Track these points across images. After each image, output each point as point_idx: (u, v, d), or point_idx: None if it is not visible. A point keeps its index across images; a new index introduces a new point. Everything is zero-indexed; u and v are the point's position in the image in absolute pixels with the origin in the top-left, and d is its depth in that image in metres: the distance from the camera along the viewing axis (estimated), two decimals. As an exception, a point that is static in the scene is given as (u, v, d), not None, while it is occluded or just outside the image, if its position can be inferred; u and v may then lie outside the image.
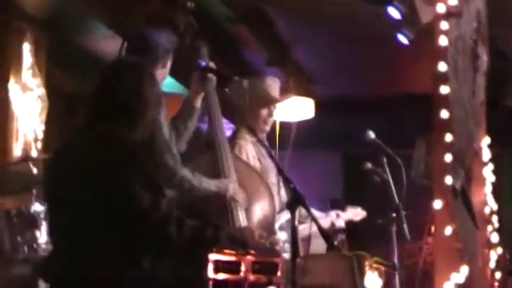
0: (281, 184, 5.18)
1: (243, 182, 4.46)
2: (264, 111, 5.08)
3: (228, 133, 5.32)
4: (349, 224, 5.65)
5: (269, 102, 5.11)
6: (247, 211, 4.41)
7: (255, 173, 4.67)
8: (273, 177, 5.13)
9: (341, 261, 4.78)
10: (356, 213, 5.53)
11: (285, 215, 5.03)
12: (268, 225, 4.43)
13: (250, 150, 5.09)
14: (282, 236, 4.58)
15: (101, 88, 3.42)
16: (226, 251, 3.31)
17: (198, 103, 4.50)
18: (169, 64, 4.29)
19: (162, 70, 4.30)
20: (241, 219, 4.34)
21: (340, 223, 5.41)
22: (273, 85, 5.21)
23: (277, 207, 5.03)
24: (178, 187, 4.12)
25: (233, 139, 5.09)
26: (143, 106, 3.39)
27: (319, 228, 3.38)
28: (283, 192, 5.19)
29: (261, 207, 4.48)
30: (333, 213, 5.46)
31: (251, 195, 4.43)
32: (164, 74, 4.31)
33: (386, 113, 7.59)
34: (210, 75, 4.37)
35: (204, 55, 4.47)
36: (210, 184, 4.28)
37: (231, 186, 4.32)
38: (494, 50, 6.48)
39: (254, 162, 4.99)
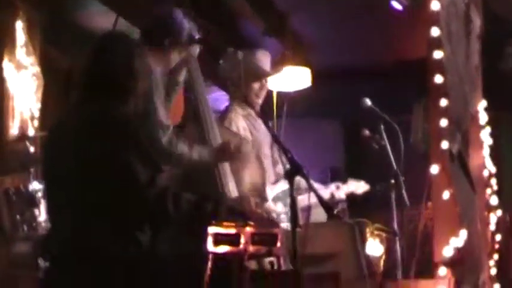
0: (276, 156, 5.20)
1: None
2: (256, 85, 5.11)
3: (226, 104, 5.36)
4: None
5: (260, 75, 5.14)
6: (236, 178, 4.42)
7: (245, 141, 4.69)
8: (266, 149, 5.14)
9: (342, 229, 4.79)
10: (358, 186, 5.52)
11: (281, 186, 5.08)
12: (258, 192, 4.47)
13: (240, 123, 5.12)
14: (279, 207, 4.63)
15: (92, 63, 3.42)
16: (225, 223, 3.31)
17: (181, 77, 4.50)
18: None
19: (175, 56, 4.37)
20: (231, 186, 4.34)
21: (340, 195, 5.43)
22: (264, 59, 5.23)
23: (272, 178, 5.10)
24: (176, 163, 4.15)
25: (224, 113, 5.13)
26: (133, 79, 3.40)
27: (319, 198, 3.40)
28: (280, 165, 5.19)
29: (249, 174, 4.50)
30: (332, 186, 5.47)
31: (241, 165, 4.47)
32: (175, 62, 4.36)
33: (383, 80, 7.54)
34: (191, 48, 4.37)
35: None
36: (205, 152, 4.30)
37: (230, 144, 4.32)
38: (488, 13, 6.48)
39: (245, 134, 5.05)
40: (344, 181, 5.52)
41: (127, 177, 3.21)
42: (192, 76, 4.48)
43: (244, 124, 5.09)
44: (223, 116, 5.04)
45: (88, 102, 3.38)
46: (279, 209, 4.67)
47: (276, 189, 5.04)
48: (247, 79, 5.00)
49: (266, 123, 3.99)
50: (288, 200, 4.28)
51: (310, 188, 3.43)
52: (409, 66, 6.70)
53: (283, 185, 5.00)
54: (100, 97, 3.36)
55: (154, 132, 4.08)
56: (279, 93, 5.71)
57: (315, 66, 6.32)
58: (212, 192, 4.09)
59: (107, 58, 3.40)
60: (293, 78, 6.18)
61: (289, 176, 3.35)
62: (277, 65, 5.33)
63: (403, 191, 5.14)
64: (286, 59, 5.64)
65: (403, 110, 5.89)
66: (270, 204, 4.83)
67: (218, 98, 6.20)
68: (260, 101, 5.15)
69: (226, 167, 4.40)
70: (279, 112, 5.55)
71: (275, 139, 3.81)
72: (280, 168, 5.14)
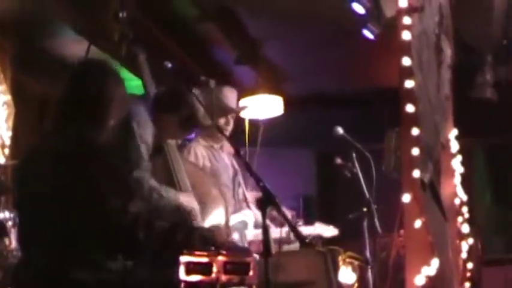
0: (238, 189, 5.20)
1: (194, 185, 4.41)
2: (222, 120, 5.23)
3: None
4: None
5: (226, 112, 5.24)
6: (202, 216, 4.37)
7: (205, 175, 4.67)
8: (226, 180, 5.15)
9: (315, 256, 4.78)
10: (326, 230, 5.49)
11: (238, 216, 5.09)
12: (223, 229, 4.43)
13: (199, 151, 5.15)
14: (235, 237, 4.60)
15: (68, 90, 3.45)
16: (198, 252, 3.31)
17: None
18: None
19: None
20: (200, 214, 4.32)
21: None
22: (230, 95, 5.31)
23: (231, 210, 5.02)
24: (146, 198, 4.08)
25: (185, 143, 5.16)
26: (107, 105, 3.40)
27: (292, 227, 3.43)
28: (241, 192, 5.21)
29: (214, 214, 4.46)
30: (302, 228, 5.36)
31: (204, 200, 4.39)
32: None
33: (356, 108, 7.58)
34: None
35: (141, 63, 4.47)
36: (177, 197, 4.23)
37: (195, 204, 4.25)
38: (460, 42, 6.52)
39: (203, 162, 5.09)
40: (312, 219, 5.54)
41: (99, 205, 3.20)
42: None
43: (204, 153, 5.12)
44: (183, 145, 4.99)
45: (64, 129, 3.39)
46: (236, 238, 4.65)
47: (233, 219, 4.99)
48: (214, 114, 5.02)
49: (237, 152, 3.93)
50: (245, 231, 4.63)
51: (283, 217, 3.43)
52: (382, 94, 6.76)
53: (241, 216, 5.05)
54: (75, 124, 3.37)
55: (132, 165, 4.09)
56: (252, 121, 5.69)
57: (287, 94, 6.39)
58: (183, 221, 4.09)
59: (82, 85, 3.44)
60: (265, 106, 6.21)
61: (262, 204, 3.29)
62: (249, 93, 5.30)
63: (376, 219, 5.16)
64: (258, 87, 5.57)
65: (376, 138, 5.83)
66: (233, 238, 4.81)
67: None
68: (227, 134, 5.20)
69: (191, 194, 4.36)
70: (252, 141, 5.54)
71: (247, 167, 3.67)
72: (241, 196, 5.15)
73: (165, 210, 4.04)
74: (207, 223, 4.26)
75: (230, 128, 5.27)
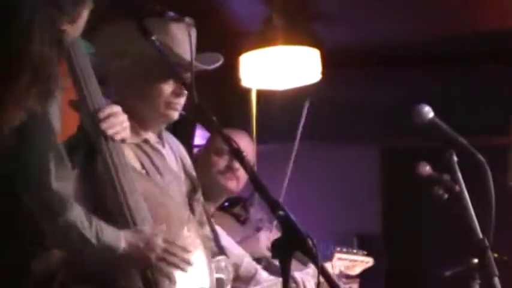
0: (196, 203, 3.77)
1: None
2: (166, 86, 3.43)
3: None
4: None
5: (174, 66, 3.32)
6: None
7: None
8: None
9: None
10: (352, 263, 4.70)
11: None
12: None
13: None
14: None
15: None
16: None
17: None
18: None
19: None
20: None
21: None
22: (180, 33, 3.41)
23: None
24: (60, 237, 3.04)
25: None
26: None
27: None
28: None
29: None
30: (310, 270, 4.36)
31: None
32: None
33: (450, 75, 5.84)
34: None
35: None
36: (116, 237, 3.11)
37: (159, 238, 3.16)
38: None
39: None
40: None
41: None
42: (77, 76, 3.19)
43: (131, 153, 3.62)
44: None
45: None
46: None
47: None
48: (150, 75, 3.40)
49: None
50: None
51: (324, 276, 2.55)
52: (496, 47, 5.36)
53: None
54: None
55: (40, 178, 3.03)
56: (261, 93, 4.57)
57: (328, 46, 4.76)
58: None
59: None
60: (288, 67, 4.83)
61: (280, 250, 2.49)
62: (256, 43, 4.14)
63: (495, 278, 3.53)
64: (274, 31, 4.18)
65: (494, 129, 4.86)
66: None
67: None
68: (175, 115, 3.57)
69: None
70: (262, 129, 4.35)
71: (255, 184, 2.61)
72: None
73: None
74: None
75: (182, 100, 3.46)
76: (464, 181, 3.69)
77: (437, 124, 3.70)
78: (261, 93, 4.81)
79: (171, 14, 3.05)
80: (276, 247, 2.52)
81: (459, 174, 3.68)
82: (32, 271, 2.89)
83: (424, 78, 5.81)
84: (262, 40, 4.40)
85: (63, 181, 2.99)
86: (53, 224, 2.99)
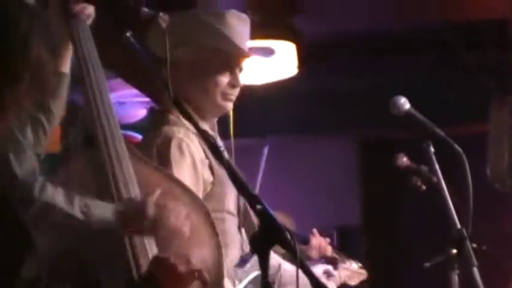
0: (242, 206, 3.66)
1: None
2: (223, 77, 3.52)
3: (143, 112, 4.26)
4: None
5: (232, 57, 3.53)
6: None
7: (187, 193, 3.21)
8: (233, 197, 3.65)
9: None
10: (352, 274, 4.52)
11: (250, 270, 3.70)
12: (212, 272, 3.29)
13: (196, 149, 3.51)
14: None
15: None
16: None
17: (67, 67, 3.20)
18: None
19: None
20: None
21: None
22: (238, 24, 3.55)
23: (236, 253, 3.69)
24: (43, 221, 3.00)
25: (159, 124, 3.57)
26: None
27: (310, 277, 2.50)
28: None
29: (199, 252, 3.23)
30: (319, 268, 4.27)
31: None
32: None
33: (430, 63, 5.87)
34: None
35: None
36: (104, 210, 3.04)
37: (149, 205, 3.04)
38: None
39: (203, 170, 3.53)
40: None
41: None
42: (84, 65, 3.17)
43: (201, 152, 3.53)
44: (157, 129, 3.55)
45: None
46: None
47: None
48: (206, 65, 3.53)
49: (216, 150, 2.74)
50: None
51: (298, 263, 2.49)
52: (478, 33, 5.30)
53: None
54: None
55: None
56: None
57: (304, 38, 4.86)
58: (117, 274, 3.06)
59: None
60: (265, 61, 4.82)
61: (258, 244, 2.48)
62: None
63: (474, 268, 3.63)
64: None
65: (471, 117, 4.87)
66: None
67: (126, 101, 4.94)
68: (229, 106, 3.65)
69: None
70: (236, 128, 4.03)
71: (231, 176, 2.54)
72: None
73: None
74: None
75: (237, 90, 3.62)
76: (442, 171, 3.72)
77: (414, 115, 3.74)
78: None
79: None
80: (255, 241, 2.51)
81: (437, 165, 3.72)
82: (21, 276, 2.87)
83: (401, 68, 5.82)
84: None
85: (26, 164, 3.02)
86: (32, 211, 3.01)
